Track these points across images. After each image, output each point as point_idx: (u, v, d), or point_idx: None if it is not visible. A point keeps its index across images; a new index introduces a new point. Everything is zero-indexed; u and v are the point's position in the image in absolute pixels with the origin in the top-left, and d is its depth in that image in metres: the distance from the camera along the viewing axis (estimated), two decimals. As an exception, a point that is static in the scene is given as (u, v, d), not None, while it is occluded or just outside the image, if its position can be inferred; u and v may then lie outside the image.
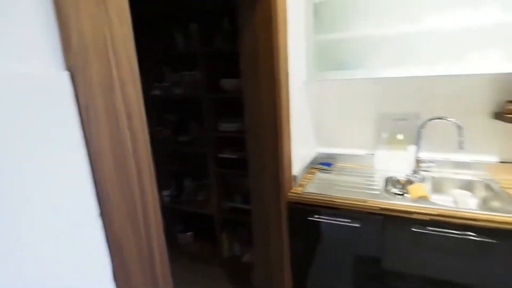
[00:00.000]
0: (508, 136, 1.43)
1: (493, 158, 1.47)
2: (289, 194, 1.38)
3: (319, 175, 1.60)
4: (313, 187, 1.44)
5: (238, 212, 2.29)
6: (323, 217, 1.30)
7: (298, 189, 1.41)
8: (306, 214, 1.34)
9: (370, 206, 1.21)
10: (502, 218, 1.03)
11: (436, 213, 1.10)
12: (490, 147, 1.47)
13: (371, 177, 1.52)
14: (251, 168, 1.46)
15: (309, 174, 1.62)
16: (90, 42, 0.51)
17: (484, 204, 1.29)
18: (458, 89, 1.46)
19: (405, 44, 1.30)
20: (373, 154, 1.68)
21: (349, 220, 1.25)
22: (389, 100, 1.61)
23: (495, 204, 1.22)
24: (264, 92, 1.32)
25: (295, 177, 1.48)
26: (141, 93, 0.62)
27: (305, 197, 1.34)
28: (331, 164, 1.70)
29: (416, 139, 1.52)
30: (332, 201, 1.28)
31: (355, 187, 1.40)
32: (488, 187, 1.33)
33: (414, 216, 1.13)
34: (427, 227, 1.12)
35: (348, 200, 1.26)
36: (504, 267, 1.08)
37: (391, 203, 1.19)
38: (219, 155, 2.23)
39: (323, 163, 1.71)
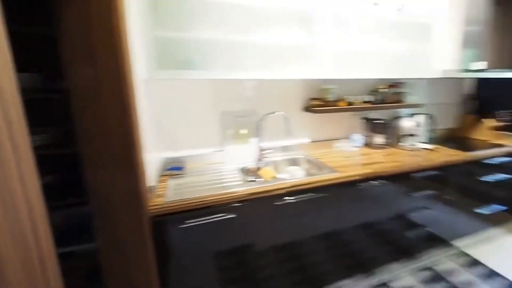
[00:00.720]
0: (314, 123, 2.18)
1: (307, 140, 2.18)
2: (150, 208, 1.30)
3: (173, 181, 1.59)
4: (175, 194, 1.42)
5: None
6: (197, 219, 1.36)
7: (159, 200, 1.35)
8: (176, 223, 1.34)
9: (240, 195, 1.41)
10: (325, 177, 1.58)
11: (288, 185, 1.49)
12: (304, 132, 2.16)
13: (226, 171, 1.74)
14: (94, 190, 1.24)
15: (161, 182, 1.58)
16: None
17: (308, 172, 1.88)
18: (283, 89, 2.03)
19: (242, 51, 1.60)
20: (222, 150, 1.93)
21: (224, 214, 1.41)
22: (231, 99, 1.91)
23: (314, 171, 1.82)
24: (107, 89, 1.17)
25: (152, 188, 1.43)
26: (17, 88, 0.46)
27: (172, 206, 1.32)
28: (182, 168, 1.75)
29: (257, 132, 1.92)
30: (203, 200, 1.35)
31: (216, 183, 1.55)
32: (308, 160, 1.95)
33: (274, 192, 1.47)
34: (284, 198, 1.50)
35: (218, 195, 1.39)
36: (335, 210, 1.67)
37: (256, 187, 1.46)
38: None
39: (173, 168, 1.72)
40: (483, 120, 2.61)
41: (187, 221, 1.35)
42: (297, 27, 1.67)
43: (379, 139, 2.24)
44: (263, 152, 1.93)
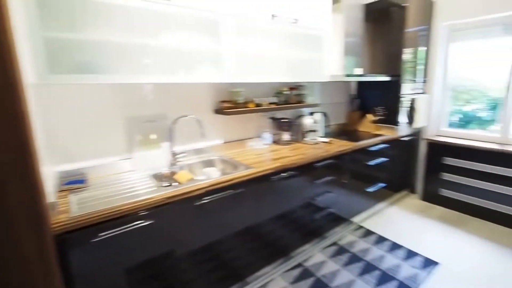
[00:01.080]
0: (226, 124, 2.35)
1: (220, 141, 2.32)
2: (54, 226, 1.20)
3: (75, 196, 1.48)
4: (80, 208, 1.34)
5: None
6: (111, 230, 1.31)
7: (63, 217, 1.26)
8: (87, 237, 1.28)
9: (156, 200, 1.42)
10: (241, 174, 1.74)
11: (207, 185, 1.58)
12: (217, 134, 2.29)
13: (137, 179, 1.70)
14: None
15: (61, 198, 1.46)
16: None
17: (224, 172, 2.00)
18: (193, 93, 2.12)
19: (149, 54, 1.61)
20: (130, 158, 1.88)
21: (142, 221, 1.40)
22: (137, 104, 1.89)
23: (230, 170, 1.95)
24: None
25: (52, 204, 1.32)
26: None
27: (80, 220, 1.25)
28: (84, 181, 1.63)
29: (169, 136, 1.95)
30: (116, 210, 1.32)
31: (128, 192, 1.51)
32: (223, 160, 2.08)
33: (193, 193, 1.54)
34: (204, 198, 1.59)
35: (132, 203, 1.37)
36: (253, 204, 1.84)
37: (173, 191, 1.50)
38: None
39: (72, 182, 1.60)
40: (366, 115, 3.23)
41: (100, 234, 1.29)
42: (204, 33, 1.79)
43: (286, 136, 2.54)
44: (177, 156, 1.97)
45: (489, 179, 2.75)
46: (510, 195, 2.63)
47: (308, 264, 2.18)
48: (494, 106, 2.93)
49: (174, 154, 1.97)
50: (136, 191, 1.52)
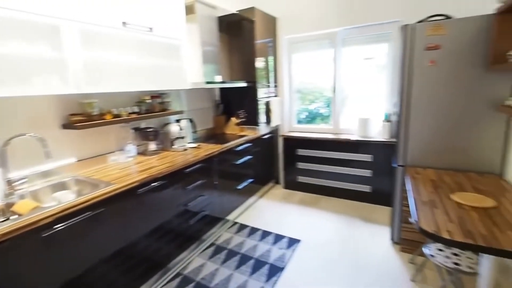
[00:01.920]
0: (79, 140, 2.12)
1: (73, 159, 2.07)
2: None
3: None
4: None
5: None
6: None
7: None
8: None
9: None
10: (100, 192, 1.62)
11: (56, 211, 1.41)
12: (69, 151, 2.04)
13: None
14: None
15: None
16: None
17: (81, 193, 1.80)
18: (31, 106, 1.83)
19: None
20: None
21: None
22: None
23: (89, 190, 1.78)
24: None
25: None
26: None
27: None
28: None
29: (0, 161, 1.62)
30: None
31: None
32: (78, 181, 1.87)
33: (39, 223, 1.34)
34: (54, 227, 1.40)
35: None
36: (120, 221, 1.74)
37: (11, 224, 1.26)
38: None
39: None
40: (230, 118, 3.51)
41: None
42: (43, 40, 1.58)
43: (152, 145, 2.50)
44: (14, 183, 1.67)
45: (331, 163, 3.47)
46: (347, 174, 3.38)
47: (187, 271, 2.22)
48: (329, 104, 3.69)
49: (10, 182, 1.66)
50: (-48, 236, 1.22)
